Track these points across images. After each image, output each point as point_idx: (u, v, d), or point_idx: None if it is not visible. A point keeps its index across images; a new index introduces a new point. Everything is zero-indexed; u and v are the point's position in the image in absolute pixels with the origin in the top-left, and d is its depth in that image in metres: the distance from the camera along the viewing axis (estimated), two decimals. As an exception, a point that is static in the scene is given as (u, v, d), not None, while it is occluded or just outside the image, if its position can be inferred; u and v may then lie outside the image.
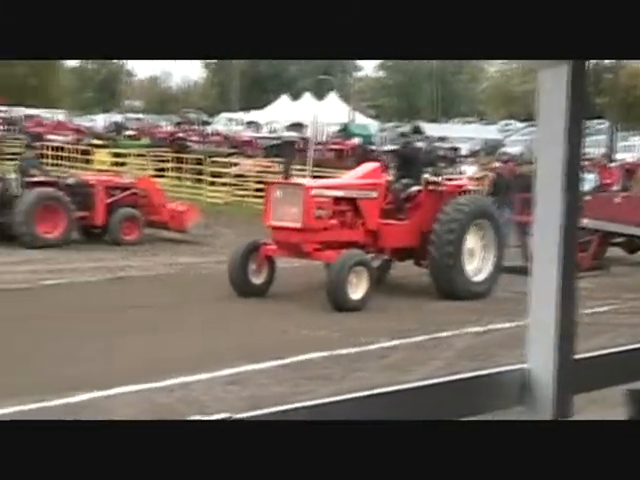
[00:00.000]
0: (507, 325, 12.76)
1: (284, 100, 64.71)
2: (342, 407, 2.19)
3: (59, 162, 33.45)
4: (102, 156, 34.53)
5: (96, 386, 9.13)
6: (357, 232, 15.21)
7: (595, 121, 49.99)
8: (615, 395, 2.90)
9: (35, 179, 19.50)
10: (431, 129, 55.79)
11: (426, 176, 16.43)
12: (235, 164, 31.83)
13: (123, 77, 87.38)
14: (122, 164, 33.34)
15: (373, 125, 61.26)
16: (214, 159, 31.57)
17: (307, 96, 62.91)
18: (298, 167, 22.17)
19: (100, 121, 59.60)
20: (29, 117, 54.34)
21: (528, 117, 60.38)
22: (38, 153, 24.39)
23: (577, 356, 2.68)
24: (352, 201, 15.21)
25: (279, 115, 57.63)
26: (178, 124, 56.97)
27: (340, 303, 13.71)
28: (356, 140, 45.20)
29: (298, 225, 14.44)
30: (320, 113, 51.73)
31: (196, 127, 54.99)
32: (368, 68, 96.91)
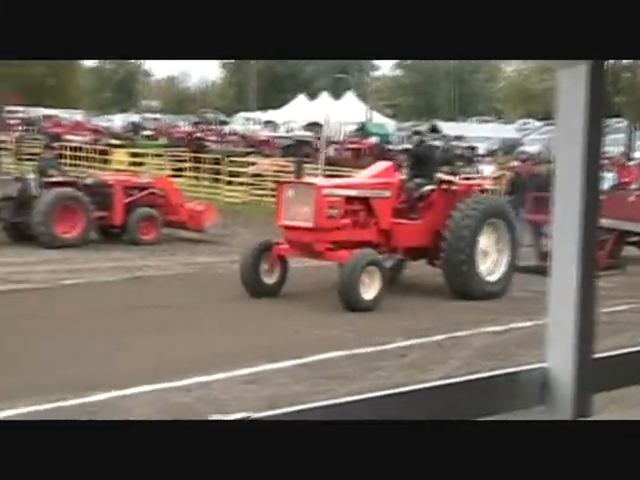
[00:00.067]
0: (523, 324, 12.73)
1: (301, 100, 64.71)
2: (360, 407, 2.19)
3: (77, 162, 33.56)
4: (120, 156, 34.61)
5: (115, 385, 9.16)
6: (370, 231, 15.13)
7: (613, 120, 49.75)
8: (634, 395, 2.89)
9: (54, 179, 19.57)
10: (448, 128, 55.72)
11: (439, 175, 16.37)
12: (252, 164, 31.86)
13: (141, 77, 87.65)
14: (140, 164, 33.42)
15: (390, 124, 61.19)
16: (232, 159, 31.60)
17: (324, 95, 62.90)
18: (315, 166, 22.20)
19: (118, 121, 59.75)
20: (47, 117, 54.55)
21: (546, 116, 60.21)
22: (56, 153, 24.49)
23: (596, 355, 2.67)
24: (365, 200, 15.13)
25: (296, 115, 57.63)
26: (196, 124, 57.02)
27: (352, 303, 13.64)
28: (373, 139, 45.18)
29: (310, 225, 14.37)
30: (337, 112, 51.93)
31: (214, 127, 55.04)
32: (385, 67, 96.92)
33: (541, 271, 15.55)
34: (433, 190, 15.77)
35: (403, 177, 16.22)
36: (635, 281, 17.14)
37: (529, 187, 19.94)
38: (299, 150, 32.93)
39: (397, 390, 2.26)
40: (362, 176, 16.59)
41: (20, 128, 46.82)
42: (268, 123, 58.98)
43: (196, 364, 10.18)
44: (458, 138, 47.80)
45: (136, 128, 48.60)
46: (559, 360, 2.58)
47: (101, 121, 59.69)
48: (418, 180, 15.91)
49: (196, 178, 32.39)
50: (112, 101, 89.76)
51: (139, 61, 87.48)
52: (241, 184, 30.54)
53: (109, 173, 25.88)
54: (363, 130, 52.22)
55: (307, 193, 14.66)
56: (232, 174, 30.85)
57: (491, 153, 45.66)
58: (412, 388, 2.30)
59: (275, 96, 76.11)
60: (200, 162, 32.95)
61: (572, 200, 2.54)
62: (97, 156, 34.79)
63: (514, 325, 12.92)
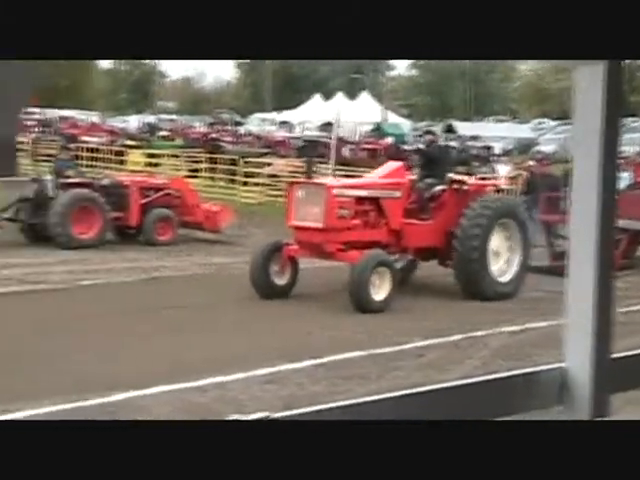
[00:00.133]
0: (538, 325, 12.70)
1: (317, 100, 64.72)
2: (378, 407, 2.19)
3: (93, 163, 33.65)
4: (136, 157, 34.69)
5: (134, 385, 9.19)
6: (380, 232, 15.04)
7: (629, 119, 49.59)
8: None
9: (70, 180, 19.64)
10: (464, 128, 55.66)
11: (451, 175, 16.32)
12: (268, 164, 31.88)
13: (156, 78, 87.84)
14: (156, 165, 33.49)
15: (406, 124, 61.14)
16: (247, 159, 31.63)
17: (339, 96, 62.88)
18: (330, 167, 22.17)
19: (133, 122, 59.85)
20: (64, 119, 54.71)
21: (561, 115, 60.07)
22: (73, 154, 24.57)
23: (614, 355, 2.67)
24: (375, 201, 15.05)
25: (312, 115, 57.63)
26: (211, 125, 57.08)
27: (363, 304, 13.57)
28: (389, 139, 45.14)
29: (320, 225, 14.29)
30: (352, 112, 51.89)
31: (229, 127, 55.08)
32: (401, 67, 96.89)
33: (554, 271, 15.58)
34: (444, 190, 15.69)
35: (414, 177, 16.15)
36: (650, 281, 17.07)
37: (545, 187, 19.87)
38: (314, 150, 32.91)
39: (415, 390, 2.27)
40: (372, 176, 16.54)
41: (36, 129, 46.97)
42: (283, 124, 58.98)
43: (213, 364, 10.22)
44: (474, 138, 47.69)
45: (152, 129, 48.68)
46: (577, 360, 2.58)
47: (117, 122, 59.81)
48: (429, 180, 15.84)
49: (212, 179, 32.42)
50: (128, 102, 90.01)
51: (154, 62, 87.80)
52: (257, 185, 30.56)
53: (125, 174, 25.93)
54: (379, 130, 52.19)
55: (317, 193, 14.60)
56: (248, 175, 30.88)
57: (507, 153, 45.56)
58: (430, 388, 2.31)
59: (290, 96, 76.14)
60: (216, 163, 32.98)
61: (589, 199, 2.54)
62: (113, 157, 34.88)
63: (530, 325, 12.89)
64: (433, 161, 16.32)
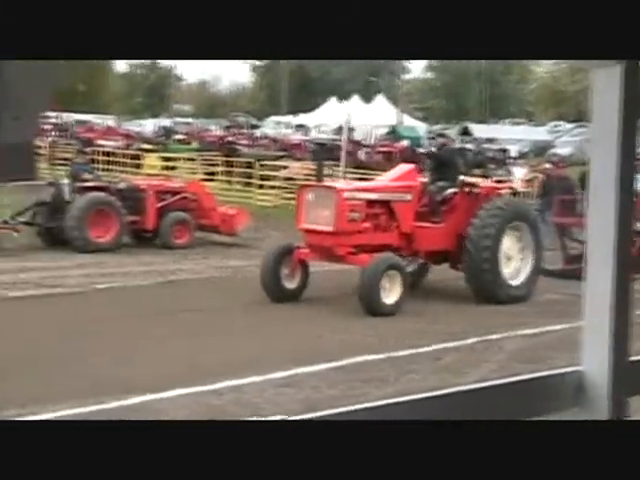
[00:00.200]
0: (553, 328, 12.66)
1: (332, 103, 64.74)
2: (395, 410, 2.19)
3: (110, 167, 33.74)
4: (152, 161, 34.77)
5: (150, 388, 9.21)
6: (391, 235, 15.01)
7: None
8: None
9: (87, 184, 19.71)
10: (479, 130, 55.59)
11: (462, 178, 16.27)
12: (284, 167, 31.91)
13: (172, 82, 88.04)
14: (172, 168, 33.57)
15: (421, 127, 61.10)
16: (263, 162, 31.67)
17: (355, 99, 62.91)
18: (346, 170, 22.17)
19: (149, 126, 59.98)
20: (80, 123, 54.87)
21: (577, 118, 59.92)
22: (89, 158, 24.65)
23: (632, 358, 2.66)
24: (386, 204, 15.02)
25: (327, 118, 57.65)
26: (227, 128, 57.14)
27: (373, 308, 13.53)
28: (405, 142, 45.10)
29: (330, 228, 14.28)
30: (368, 115, 51.91)
31: (245, 131, 55.15)
32: (416, 70, 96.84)
33: (567, 275, 15.51)
34: (456, 193, 15.65)
35: (425, 180, 16.10)
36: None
37: (560, 189, 19.84)
38: (329, 153, 32.92)
39: (433, 393, 2.26)
40: (383, 179, 16.50)
41: (53, 133, 47.12)
42: (299, 127, 59.00)
43: (228, 367, 10.23)
44: (490, 140, 47.62)
45: (168, 132, 48.76)
46: (594, 363, 2.57)
47: (133, 126, 59.94)
48: (441, 183, 15.79)
49: (228, 182, 32.46)
50: (144, 106, 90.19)
51: (170, 66, 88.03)
52: (273, 188, 30.58)
53: (141, 178, 26.01)
54: (394, 133, 52.15)
55: (327, 197, 14.58)
56: (264, 178, 30.91)
57: (523, 155, 45.48)
58: (448, 391, 2.30)
59: (306, 99, 76.21)
60: (232, 166, 33.02)
61: (607, 201, 2.53)
62: (129, 161, 34.97)
63: (545, 329, 12.85)
64: (444, 164, 16.26)
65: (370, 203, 14.85)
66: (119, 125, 58.42)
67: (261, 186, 30.87)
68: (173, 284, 15.89)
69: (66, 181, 20.01)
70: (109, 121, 60.42)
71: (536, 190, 23.82)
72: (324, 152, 33.35)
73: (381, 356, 11.13)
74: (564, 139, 52.24)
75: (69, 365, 10.28)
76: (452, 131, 48.51)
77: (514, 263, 15.49)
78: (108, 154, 35.34)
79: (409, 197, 15.23)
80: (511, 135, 54.10)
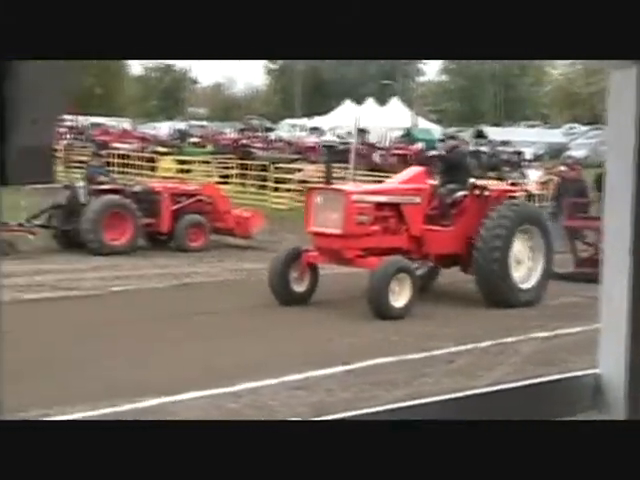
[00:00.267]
0: (568, 331, 12.62)
1: (347, 105, 64.72)
2: (411, 412, 2.18)
3: (125, 170, 33.80)
4: (167, 163, 34.81)
5: (165, 391, 9.22)
6: (400, 238, 14.93)
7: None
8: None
9: (102, 187, 19.76)
10: (494, 133, 55.49)
11: (472, 180, 16.19)
12: (299, 170, 31.92)
13: (187, 85, 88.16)
14: (187, 171, 33.61)
15: (436, 130, 61.01)
16: (278, 165, 31.68)
17: (370, 101, 62.88)
18: (360, 172, 22.14)
19: (164, 129, 60.06)
20: (95, 125, 55.02)
21: (592, 120, 59.76)
22: (104, 161, 24.72)
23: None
24: (395, 206, 14.95)
25: (342, 120, 57.64)
26: (242, 131, 57.16)
27: (382, 311, 13.47)
28: (419, 145, 45.05)
29: (339, 231, 14.23)
30: (383, 118, 51.87)
31: (259, 133, 55.17)
32: (431, 72, 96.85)
33: (578, 278, 15.44)
34: (465, 196, 15.57)
35: (435, 183, 16.01)
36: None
37: (574, 192, 19.77)
38: (343, 156, 32.88)
39: (448, 396, 2.25)
40: (393, 182, 16.43)
41: (68, 136, 47.25)
42: (314, 129, 58.99)
43: (242, 370, 10.24)
44: (504, 143, 47.52)
45: (183, 135, 48.83)
46: (611, 366, 2.56)
47: (148, 129, 60.05)
48: (451, 186, 15.71)
49: (243, 185, 32.48)
50: (158, 109, 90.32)
51: (185, 69, 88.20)
52: (287, 190, 30.59)
53: (156, 180, 26.05)
54: (409, 136, 52.10)
55: (336, 199, 14.53)
56: (278, 180, 30.93)
57: (537, 158, 45.35)
58: (464, 394, 2.29)
59: (320, 102, 76.17)
60: (246, 169, 33.04)
61: (623, 204, 2.52)
62: (144, 163, 35.02)
63: (560, 332, 12.80)
64: (455, 166, 16.16)
65: (379, 206, 14.80)
66: (134, 128, 58.52)
67: (276, 189, 30.88)
68: (188, 287, 15.90)
69: (81, 184, 20.06)
70: (124, 124, 60.52)
71: (551, 193, 23.75)
72: (335, 154, 33.29)
73: (392, 359, 11.11)
74: (579, 141, 52.15)
75: (84, 368, 10.30)
76: (466, 134, 48.45)
77: (524, 266, 15.40)
78: (123, 157, 35.40)
79: (418, 200, 15.16)
80: (526, 137, 53.98)
